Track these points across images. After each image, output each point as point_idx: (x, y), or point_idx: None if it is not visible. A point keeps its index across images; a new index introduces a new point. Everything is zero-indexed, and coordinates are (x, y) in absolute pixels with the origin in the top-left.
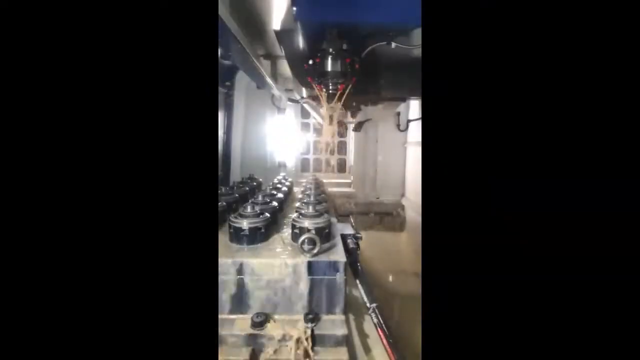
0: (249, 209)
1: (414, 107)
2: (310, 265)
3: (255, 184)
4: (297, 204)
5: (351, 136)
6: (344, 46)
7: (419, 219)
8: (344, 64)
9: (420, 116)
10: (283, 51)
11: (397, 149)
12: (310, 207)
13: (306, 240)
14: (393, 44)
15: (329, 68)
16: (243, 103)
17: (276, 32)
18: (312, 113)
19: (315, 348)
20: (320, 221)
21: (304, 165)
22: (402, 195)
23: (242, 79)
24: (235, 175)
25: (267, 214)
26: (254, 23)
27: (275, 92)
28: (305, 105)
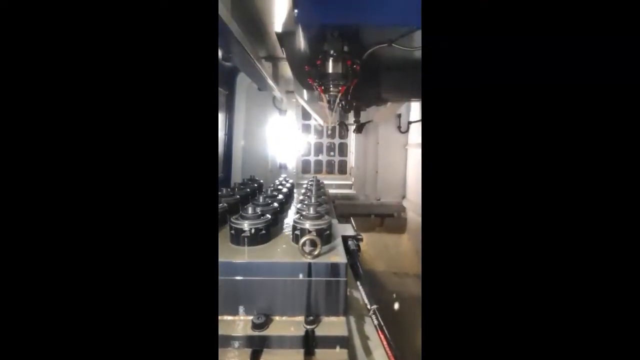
0: (250, 211)
1: (415, 109)
2: (310, 267)
3: (256, 185)
4: (298, 206)
5: (352, 138)
6: (345, 48)
7: (420, 220)
8: (345, 66)
9: (420, 118)
10: (284, 53)
11: (398, 151)
12: (312, 209)
13: (307, 242)
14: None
15: (330, 70)
16: (244, 105)
17: (277, 34)
18: (313, 115)
19: (316, 350)
20: (322, 223)
21: (304, 167)
22: (403, 197)
23: (243, 81)
24: (237, 177)
25: (268, 215)
26: (256, 25)
27: (277, 93)
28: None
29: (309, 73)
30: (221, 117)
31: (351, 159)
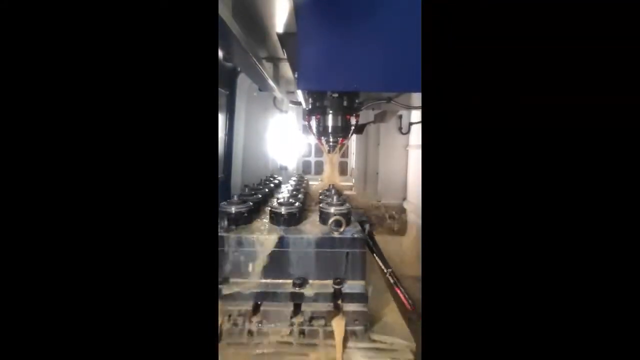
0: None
1: (416, 110)
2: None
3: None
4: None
5: (353, 139)
6: (344, 103)
7: (420, 222)
8: (344, 120)
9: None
10: (285, 54)
11: (399, 152)
12: (334, 198)
13: (335, 222)
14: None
15: (329, 124)
16: (245, 105)
17: (279, 35)
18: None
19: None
20: (344, 208)
21: (305, 168)
22: (404, 198)
23: (244, 82)
24: (237, 178)
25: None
26: (257, 25)
27: (278, 94)
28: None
29: (308, 126)
30: (221, 118)
31: (352, 160)
